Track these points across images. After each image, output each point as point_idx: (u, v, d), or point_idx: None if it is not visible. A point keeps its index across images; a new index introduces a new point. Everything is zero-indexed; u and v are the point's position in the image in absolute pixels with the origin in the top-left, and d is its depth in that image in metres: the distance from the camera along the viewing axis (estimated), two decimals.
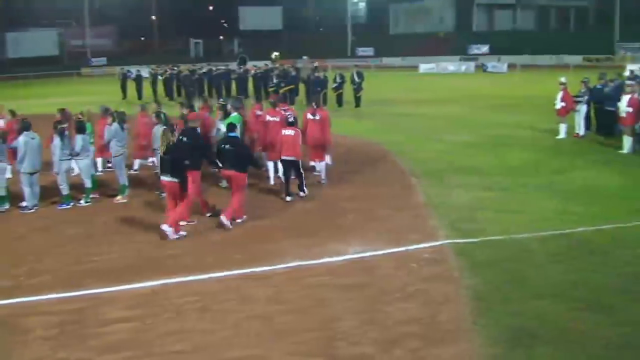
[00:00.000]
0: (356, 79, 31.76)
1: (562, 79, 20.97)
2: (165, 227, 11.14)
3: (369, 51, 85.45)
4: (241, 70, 40.33)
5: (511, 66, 63.60)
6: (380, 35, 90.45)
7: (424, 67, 65.36)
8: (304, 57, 66.16)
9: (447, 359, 6.86)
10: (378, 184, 15.10)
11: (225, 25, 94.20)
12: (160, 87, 37.95)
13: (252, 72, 37.92)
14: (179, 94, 36.67)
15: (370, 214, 12.55)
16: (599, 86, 21.29)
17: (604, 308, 7.91)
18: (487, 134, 21.87)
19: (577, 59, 67.93)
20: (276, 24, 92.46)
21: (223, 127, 14.25)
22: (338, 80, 31.84)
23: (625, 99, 17.96)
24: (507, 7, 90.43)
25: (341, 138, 19.88)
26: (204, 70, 39.67)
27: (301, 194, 13.84)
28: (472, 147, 19.51)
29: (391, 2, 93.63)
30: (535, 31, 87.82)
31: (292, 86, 32.92)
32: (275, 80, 33.29)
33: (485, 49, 79.66)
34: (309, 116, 15.13)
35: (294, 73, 34.35)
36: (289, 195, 13.61)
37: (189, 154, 11.51)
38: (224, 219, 11.60)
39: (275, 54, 71.09)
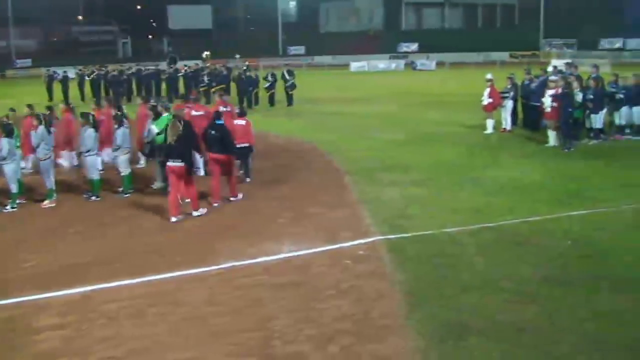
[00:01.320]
0: (287, 77, 31.81)
1: (489, 76, 21.49)
2: (194, 213, 12.56)
3: (300, 50, 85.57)
4: (171, 69, 39.83)
5: (440, 63, 64.80)
6: (311, 33, 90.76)
7: (355, 66, 65.87)
8: (237, 56, 65.78)
9: (381, 355, 6.98)
10: (311, 183, 15.19)
11: (154, 24, 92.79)
12: (87, 88, 37.13)
13: (183, 71, 37.51)
14: (107, 94, 35.93)
15: (304, 212, 12.61)
16: (525, 82, 21.95)
17: (533, 298, 8.18)
18: (417, 131, 22.24)
19: (503, 56, 69.78)
20: (206, 22, 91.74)
21: (155, 129, 14.13)
22: (270, 79, 31.83)
23: (549, 94, 18.42)
24: (436, 5, 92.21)
25: (274, 137, 19.94)
26: (133, 70, 39.02)
27: (247, 179, 14.81)
28: (403, 145, 19.82)
29: (321, 1, 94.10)
30: (463, 29, 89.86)
31: (223, 85, 32.67)
32: (206, 80, 33.06)
33: (414, 47, 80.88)
34: (236, 121, 15.29)
35: (225, 72, 34.13)
36: (248, 177, 15.03)
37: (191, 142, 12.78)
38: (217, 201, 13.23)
39: (206, 53, 70.37)
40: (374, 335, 7.35)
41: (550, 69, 25.91)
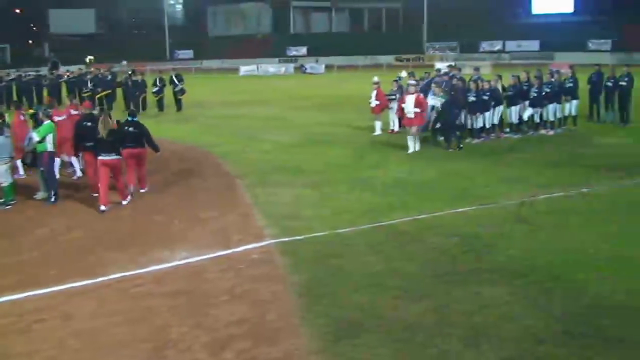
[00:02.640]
0: (176, 82, 31.36)
1: (375, 79, 21.96)
2: (124, 202, 13.56)
3: (188, 54, 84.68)
4: (53, 75, 38.37)
5: (329, 67, 65.67)
6: (199, 37, 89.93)
7: (244, 69, 65.80)
8: (124, 62, 64.22)
9: (277, 357, 7.00)
10: (203, 187, 15.04)
11: (34, 28, 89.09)
12: None
13: (65, 77, 36.23)
14: None
15: (196, 218, 12.46)
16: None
17: (422, 294, 8.41)
18: (307, 133, 22.46)
19: (389, 59, 71.50)
20: (89, 26, 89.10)
21: (35, 137, 13.63)
22: (158, 84, 31.27)
23: (411, 99, 18.10)
24: (323, 10, 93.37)
25: (165, 142, 19.53)
26: (13, 76, 37.32)
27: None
28: (294, 147, 19.96)
29: (208, 4, 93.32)
30: (350, 33, 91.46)
31: (108, 91, 31.88)
32: (90, 86, 32.09)
33: (303, 50, 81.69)
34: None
35: (109, 77, 33.24)
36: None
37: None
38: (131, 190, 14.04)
39: (89, 57, 68.33)
40: (270, 338, 7.36)
41: (441, 68, 26.91)
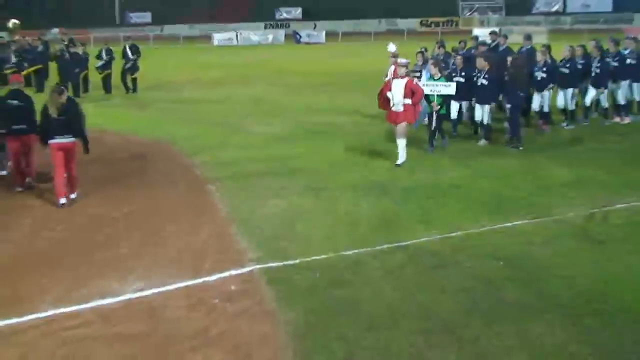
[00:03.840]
0: (130, 55, 31.35)
1: (392, 47, 21.75)
2: (73, 195, 14.51)
3: (145, 17, 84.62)
4: None
5: (331, 34, 65.67)
6: None
7: (219, 38, 65.93)
8: (55, 29, 64.16)
9: None
10: (164, 195, 15.04)
11: None
12: None
13: None
14: None
15: (153, 236, 12.44)
16: (438, 57, 22.54)
17: (457, 336, 8.36)
18: (304, 122, 22.48)
19: (412, 24, 71.47)
20: None
21: None
22: (105, 57, 31.25)
23: (399, 85, 16.96)
24: None
25: (112, 136, 19.61)
26: None
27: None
28: (287, 140, 19.95)
29: None
30: None
31: (39, 66, 31.89)
32: (14, 59, 32.10)
33: (297, 12, 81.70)
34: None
35: (41, 48, 33.23)
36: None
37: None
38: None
39: (13, 21, 68.23)
40: None
41: (480, 36, 26.91)
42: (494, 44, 24.30)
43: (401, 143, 16.92)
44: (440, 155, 17.71)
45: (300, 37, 66.11)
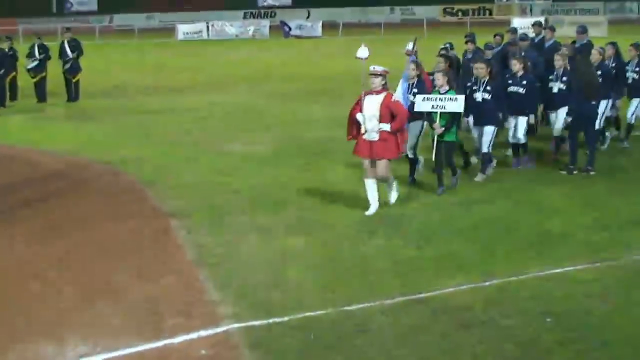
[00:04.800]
0: (69, 52, 31.41)
1: (410, 46, 21.90)
2: None
3: (90, 4, 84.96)
4: None
5: (328, 26, 65.86)
6: None
7: (185, 30, 66.27)
8: None
9: None
10: (111, 233, 15.06)
11: None
12: None
13: None
14: None
15: (102, 284, 12.41)
16: (467, 55, 22.70)
17: None
18: (293, 138, 22.60)
19: (433, 12, 71.79)
20: None
21: None
22: (38, 55, 31.31)
23: (373, 103, 15.49)
24: None
25: (46, 156, 19.60)
26: None
27: None
28: (272, 162, 19.99)
29: None
30: None
31: None
32: None
33: None
34: None
35: None
36: None
37: None
38: None
39: None
40: None
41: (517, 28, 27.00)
42: (538, 39, 24.38)
43: (371, 185, 15.59)
44: (469, 181, 17.72)
45: (290, 29, 66.26)
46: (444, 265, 12.62)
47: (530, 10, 66.40)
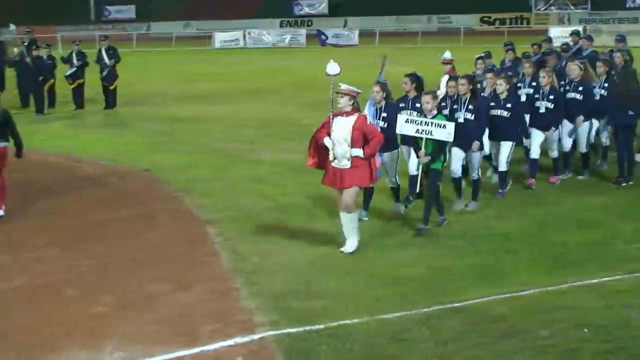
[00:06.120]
0: (106, 59, 31.54)
1: (447, 54, 21.83)
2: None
3: (128, 12, 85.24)
4: None
5: (365, 34, 65.77)
6: None
7: (222, 38, 66.39)
8: (12, 26, 64.72)
9: None
10: (148, 241, 15.10)
11: None
12: None
13: None
14: None
15: (136, 292, 12.47)
16: (505, 64, 22.64)
17: None
18: None
19: (470, 21, 71.53)
20: None
21: None
22: (76, 63, 31.44)
23: (344, 125, 14.06)
24: None
25: (84, 163, 19.67)
26: None
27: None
28: (306, 170, 19.86)
29: None
30: None
31: None
32: None
33: (322, 6, 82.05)
34: None
35: None
36: None
37: None
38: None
39: None
40: None
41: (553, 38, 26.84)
42: (575, 48, 24.27)
43: (348, 219, 14.12)
44: (511, 192, 17.61)
45: (326, 37, 66.28)
46: (479, 275, 12.59)
47: (568, 19, 66.05)
